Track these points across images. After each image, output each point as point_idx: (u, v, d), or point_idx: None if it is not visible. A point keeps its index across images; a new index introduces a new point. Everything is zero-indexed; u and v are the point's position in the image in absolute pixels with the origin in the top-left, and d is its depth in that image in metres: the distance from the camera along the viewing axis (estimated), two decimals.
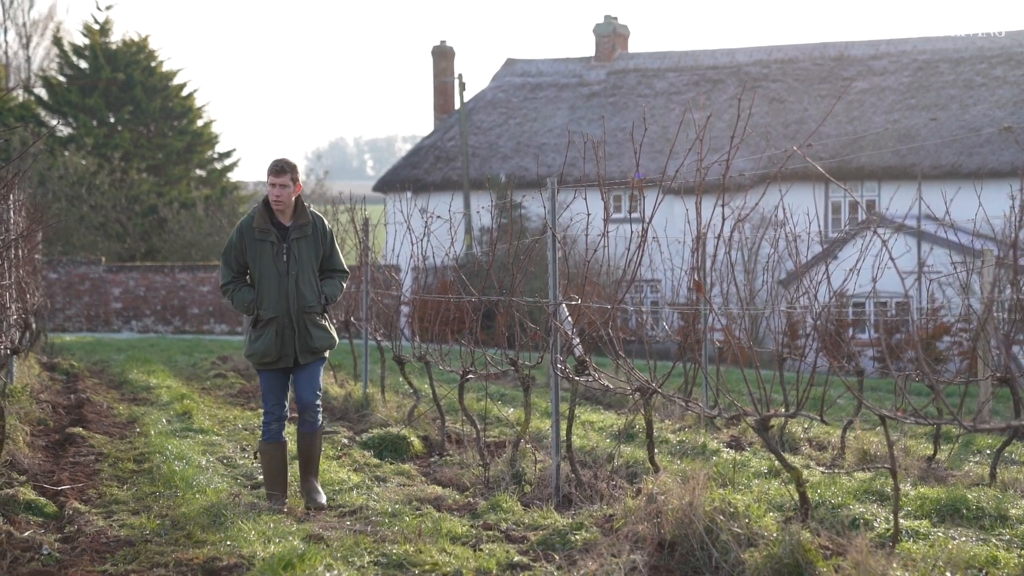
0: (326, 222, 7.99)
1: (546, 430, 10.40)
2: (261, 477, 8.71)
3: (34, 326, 15.07)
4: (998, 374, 8.27)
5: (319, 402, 7.92)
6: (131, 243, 37.10)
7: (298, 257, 7.75)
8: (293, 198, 7.81)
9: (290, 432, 8.20)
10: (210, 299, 31.69)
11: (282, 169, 7.74)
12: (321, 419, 8.02)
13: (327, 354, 8.00)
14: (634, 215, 7.99)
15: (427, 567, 6.15)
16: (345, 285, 8.14)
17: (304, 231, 7.81)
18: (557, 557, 6.41)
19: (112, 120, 39.53)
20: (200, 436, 10.53)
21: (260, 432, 8.19)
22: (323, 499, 7.76)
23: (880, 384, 17.33)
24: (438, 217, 10.58)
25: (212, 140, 41.31)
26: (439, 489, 8.33)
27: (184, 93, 40.57)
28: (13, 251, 11.79)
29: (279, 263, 7.72)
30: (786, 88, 31.53)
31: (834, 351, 8.44)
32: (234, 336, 29.25)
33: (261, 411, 12.32)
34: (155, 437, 10.13)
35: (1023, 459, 9.75)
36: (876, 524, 6.71)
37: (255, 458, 9.29)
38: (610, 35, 34.50)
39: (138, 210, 37.35)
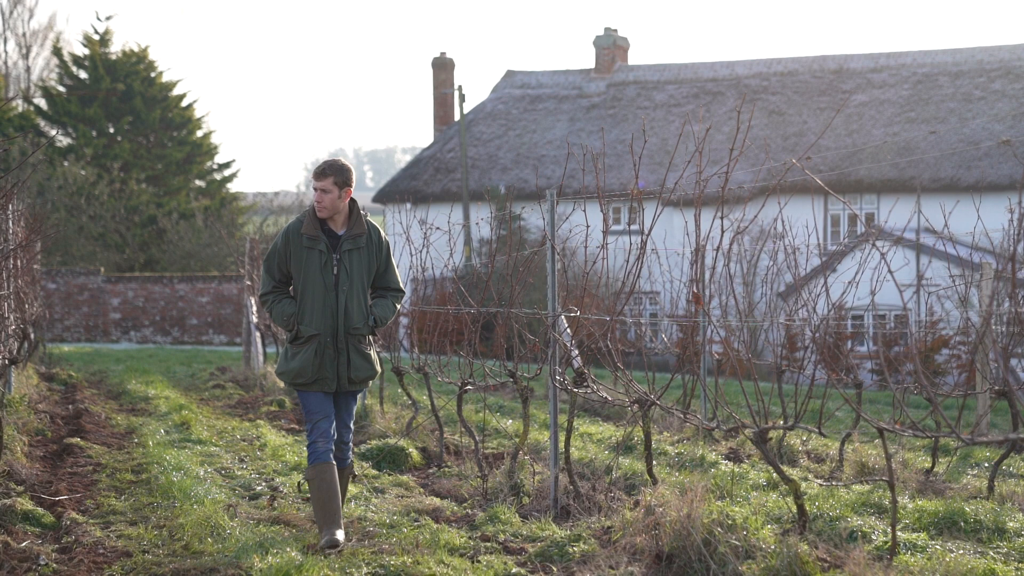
0: (383, 234, 7.12)
1: (544, 442, 10.40)
2: (259, 487, 8.71)
3: (32, 336, 15.07)
4: (996, 387, 8.27)
5: (351, 437, 7.18)
6: (130, 253, 37.12)
7: (349, 271, 6.92)
8: (343, 204, 6.95)
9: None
10: (209, 310, 31.70)
11: (323, 172, 6.91)
12: (352, 457, 7.26)
13: (369, 384, 7.19)
14: (633, 227, 8.00)
15: None
16: (399, 307, 7.24)
17: (358, 242, 6.96)
18: (555, 569, 6.41)
19: (111, 130, 39.58)
20: (198, 447, 10.53)
21: (305, 455, 7.52)
22: (341, 537, 6.75)
23: (878, 397, 17.33)
24: (437, 228, 10.59)
25: (212, 151, 41.34)
26: (437, 500, 8.32)
27: (184, 104, 40.63)
28: (12, 261, 11.80)
29: (327, 276, 6.89)
30: (785, 101, 31.60)
31: (833, 364, 8.45)
32: (233, 347, 29.25)
33: (260, 422, 12.41)
34: (153, 448, 10.13)
35: (1021, 472, 9.75)
36: (874, 537, 6.71)
37: (299, 490, 8.25)
38: (610, 47, 34.58)
39: (137, 220, 37.38)
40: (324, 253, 6.90)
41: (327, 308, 6.88)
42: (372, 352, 7.09)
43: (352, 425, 7.19)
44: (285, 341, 7.12)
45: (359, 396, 7.41)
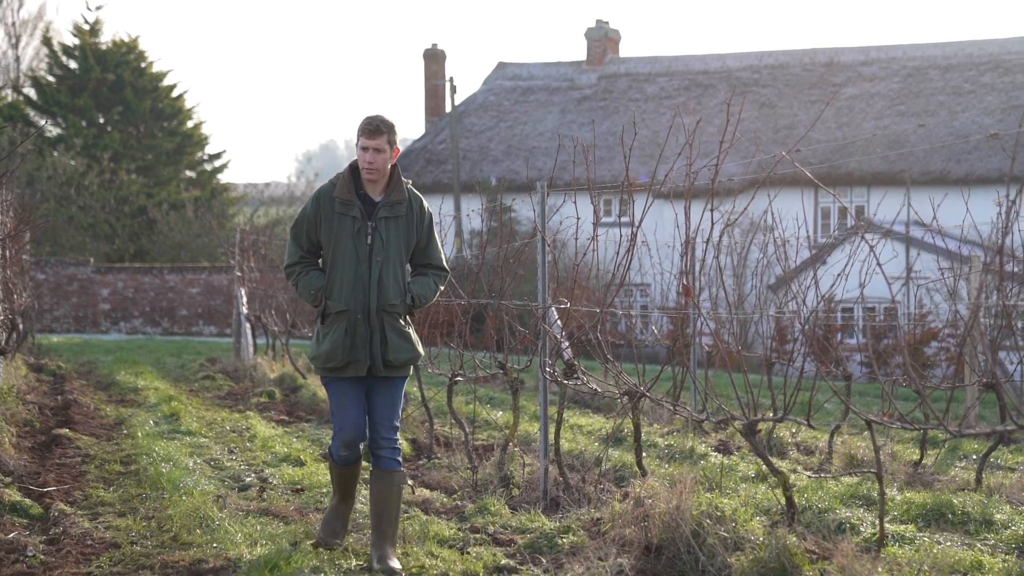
0: (425, 203, 6.39)
1: (534, 433, 10.41)
2: (248, 479, 8.70)
3: (21, 327, 15.02)
4: (984, 379, 8.29)
5: (397, 435, 6.33)
6: (120, 244, 37.01)
7: (385, 241, 6.18)
8: (389, 166, 6.23)
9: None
10: (199, 301, 31.63)
11: (378, 128, 6.13)
12: (400, 459, 6.36)
13: (411, 370, 6.46)
14: (624, 219, 7.99)
15: (414, 570, 6.14)
16: (442, 288, 6.51)
17: (396, 210, 6.22)
18: (544, 560, 6.41)
19: (101, 121, 39.43)
20: (187, 438, 10.51)
21: (326, 448, 7.24)
22: (397, 565, 6.13)
23: (868, 389, 17.37)
24: None
25: (202, 141, 41.23)
26: (427, 492, 8.33)
27: (174, 94, 40.49)
28: (0, 251, 11.76)
29: (360, 245, 6.17)
30: (776, 93, 31.61)
31: (822, 356, 8.47)
32: (223, 338, 29.20)
33: (249, 414, 12.39)
34: (142, 439, 10.11)
35: (1008, 464, 9.79)
36: (862, 528, 6.73)
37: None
38: (601, 39, 34.56)
39: (127, 211, 37.27)
40: (358, 220, 6.17)
41: (359, 282, 6.16)
42: (412, 332, 6.33)
43: (398, 423, 6.32)
44: (315, 321, 6.40)
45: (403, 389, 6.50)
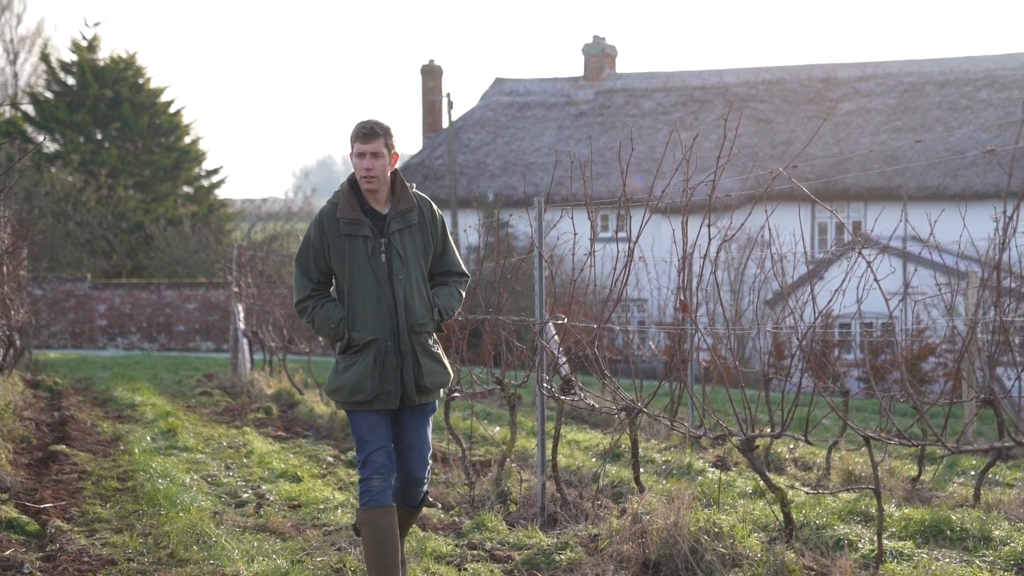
0: (435, 207, 5.85)
1: (532, 449, 10.39)
2: (245, 495, 8.67)
3: (18, 343, 15.01)
4: (982, 395, 8.29)
5: (428, 474, 5.86)
6: (117, 260, 37.00)
7: (403, 256, 5.65)
8: (389, 173, 5.68)
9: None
10: (196, 316, 31.62)
11: (372, 131, 5.57)
12: (424, 498, 5.96)
13: (441, 394, 5.92)
14: (621, 234, 8.00)
15: None
16: (464, 294, 5.97)
17: (407, 219, 5.69)
18: None
19: (99, 137, 39.47)
20: (185, 454, 10.49)
21: (356, 497, 6.53)
22: None
23: (865, 405, 17.36)
24: None
25: (199, 157, 41.26)
26: (424, 508, 8.31)
27: (172, 110, 40.54)
28: None
29: (376, 265, 5.61)
30: (773, 109, 31.68)
31: (820, 371, 8.46)
32: (220, 354, 29.18)
33: (246, 430, 12.36)
34: (139, 455, 10.09)
35: (1007, 480, 9.78)
36: (860, 545, 6.72)
37: (355, 534, 6.74)
38: (598, 55, 34.65)
39: (124, 227, 37.28)
40: (370, 239, 5.62)
41: (383, 305, 5.60)
42: (440, 351, 5.82)
43: (429, 458, 5.80)
44: (335, 352, 5.80)
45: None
